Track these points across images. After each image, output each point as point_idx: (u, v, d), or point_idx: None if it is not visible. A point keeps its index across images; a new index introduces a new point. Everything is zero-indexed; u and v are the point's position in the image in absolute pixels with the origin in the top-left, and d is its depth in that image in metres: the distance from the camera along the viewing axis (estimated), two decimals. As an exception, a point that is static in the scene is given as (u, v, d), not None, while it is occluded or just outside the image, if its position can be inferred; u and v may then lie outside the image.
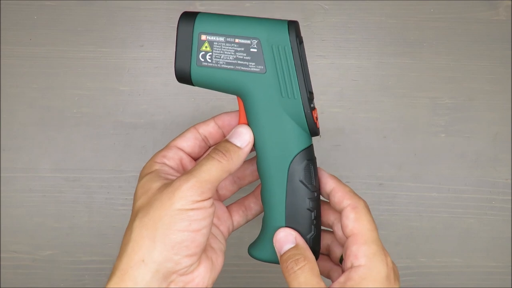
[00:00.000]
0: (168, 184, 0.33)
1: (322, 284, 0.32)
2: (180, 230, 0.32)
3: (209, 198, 0.33)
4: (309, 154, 0.35)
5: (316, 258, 0.36)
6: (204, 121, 0.39)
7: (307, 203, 0.35)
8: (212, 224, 0.35)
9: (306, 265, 0.33)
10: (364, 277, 0.32)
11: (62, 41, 0.56)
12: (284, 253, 0.34)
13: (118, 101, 0.56)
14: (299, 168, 0.35)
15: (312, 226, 0.36)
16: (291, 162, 0.35)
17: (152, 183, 0.34)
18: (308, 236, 0.36)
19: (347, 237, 0.34)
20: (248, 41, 0.34)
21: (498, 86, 0.57)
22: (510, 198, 0.56)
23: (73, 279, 0.54)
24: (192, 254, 0.32)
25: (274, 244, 0.35)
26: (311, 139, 0.36)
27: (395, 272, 0.34)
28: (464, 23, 0.57)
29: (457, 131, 0.56)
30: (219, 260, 0.36)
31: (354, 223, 0.34)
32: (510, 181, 0.56)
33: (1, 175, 0.55)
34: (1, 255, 0.54)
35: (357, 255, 0.32)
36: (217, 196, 0.41)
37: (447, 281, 0.56)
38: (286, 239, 0.35)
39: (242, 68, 0.34)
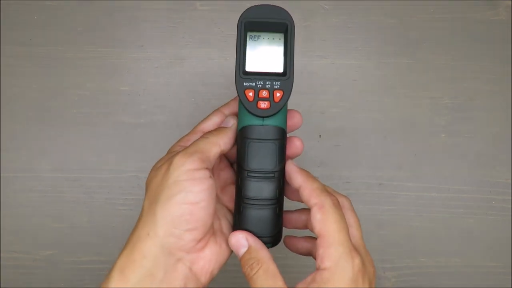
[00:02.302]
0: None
1: (279, 282, 0.33)
2: (178, 203, 0.32)
3: (203, 169, 0.34)
4: (247, 132, 0.36)
5: (277, 241, 0.37)
6: (228, 102, 0.40)
7: (238, 180, 0.37)
8: (215, 200, 0.35)
9: (260, 269, 0.33)
10: (327, 281, 0.31)
11: (62, 41, 0.56)
12: (240, 259, 0.35)
13: (118, 101, 0.56)
14: (237, 145, 0.37)
15: (242, 205, 0.36)
16: (235, 140, 0.37)
17: (162, 161, 0.36)
18: (239, 218, 0.37)
19: (317, 238, 0.33)
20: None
21: (498, 86, 0.57)
22: (510, 198, 0.56)
23: (73, 279, 0.54)
24: (193, 228, 0.33)
25: (231, 248, 0.36)
26: (257, 120, 0.36)
27: (367, 272, 0.33)
28: (464, 23, 0.57)
29: (457, 131, 0.56)
30: (228, 246, 0.36)
31: (320, 225, 0.33)
32: (510, 181, 0.56)
33: (1, 175, 0.55)
34: (1, 255, 0.54)
35: (323, 258, 0.32)
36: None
37: (447, 281, 0.56)
38: (238, 244, 0.35)
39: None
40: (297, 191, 0.36)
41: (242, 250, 0.35)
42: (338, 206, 0.34)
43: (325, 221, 0.33)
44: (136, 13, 0.56)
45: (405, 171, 0.56)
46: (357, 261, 0.32)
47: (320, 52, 0.57)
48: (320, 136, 0.56)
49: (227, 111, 0.39)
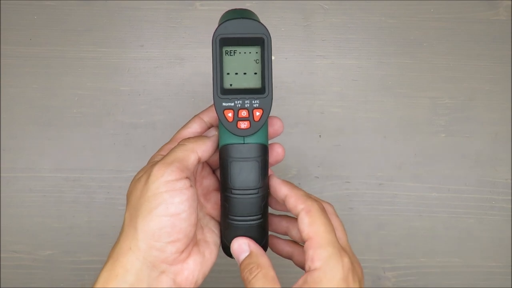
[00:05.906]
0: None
1: (277, 286, 0.33)
2: (158, 216, 0.32)
3: (182, 179, 0.33)
4: (229, 151, 0.36)
5: (265, 249, 0.37)
6: (207, 108, 0.39)
7: (222, 197, 0.37)
8: (197, 210, 0.35)
9: (260, 272, 0.34)
10: (319, 280, 0.32)
11: (62, 41, 0.56)
12: (240, 264, 0.35)
13: (118, 101, 0.56)
14: (220, 163, 0.37)
15: (228, 222, 0.37)
16: (216, 150, 0.37)
17: (141, 172, 0.35)
18: (226, 233, 0.37)
19: (304, 242, 0.34)
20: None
21: (498, 86, 0.57)
22: (510, 198, 0.56)
23: (73, 279, 0.54)
24: (175, 240, 0.33)
25: (232, 254, 0.36)
26: (238, 138, 0.36)
27: (356, 272, 0.34)
28: (464, 23, 0.57)
29: (457, 131, 0.56)
30: (212, 255, 0.37)
31: (309, 228, 0.34)
32: (510, 181, 0.56)
33: (1, 175, 0.55)
34: (1, 255, 0.54)
35: (313, 258, 0.33)
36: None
37: (447, 281, 0.56)
38: (240, 249, 0.36)
39: None
40: (281, 202, 0.36)
41: (243, 255, 0.35)
42: (324, 210, 0.35)
43: (313, 224, 0.34)
44: (136, 13, 0.56)
45: (405, 171, 0.56)
46: (346, 260, 0.33)
47: (320, 52, 0.57)
48: (320, 136, 0.56)
49: (206, 117, 0.39)
